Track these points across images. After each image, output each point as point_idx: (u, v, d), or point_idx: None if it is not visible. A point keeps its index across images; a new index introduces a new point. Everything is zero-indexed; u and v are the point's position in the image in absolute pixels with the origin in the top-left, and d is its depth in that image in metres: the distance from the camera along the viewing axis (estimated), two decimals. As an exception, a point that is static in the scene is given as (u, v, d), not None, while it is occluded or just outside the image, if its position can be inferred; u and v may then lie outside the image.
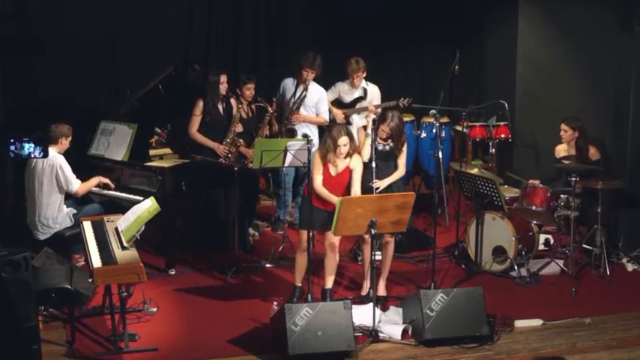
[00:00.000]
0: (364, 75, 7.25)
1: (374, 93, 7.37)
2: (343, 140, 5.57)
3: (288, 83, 7.19)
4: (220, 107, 6.84)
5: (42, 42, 7.48)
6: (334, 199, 5.46)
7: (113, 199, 6.48)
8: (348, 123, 7.38)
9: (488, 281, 6.25)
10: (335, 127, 5.77)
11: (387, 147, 5.88)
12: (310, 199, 5.66)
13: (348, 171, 5.68)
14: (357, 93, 7.36)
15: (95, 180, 6.38)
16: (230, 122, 6.85)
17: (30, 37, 7.50)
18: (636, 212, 6.91)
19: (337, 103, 7.44)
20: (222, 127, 6.83)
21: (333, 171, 5.67)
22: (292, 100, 7.10)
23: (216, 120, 6.81)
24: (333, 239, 5.70)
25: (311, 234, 5.61)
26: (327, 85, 7.41)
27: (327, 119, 7.21)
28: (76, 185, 6.19)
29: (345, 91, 7.37)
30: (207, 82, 6.75)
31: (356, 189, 5.65)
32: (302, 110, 7.11)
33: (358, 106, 7.37)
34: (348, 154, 5.64)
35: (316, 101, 7.12)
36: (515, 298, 6.13)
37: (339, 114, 7.36)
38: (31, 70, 7.57)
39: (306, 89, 7.05)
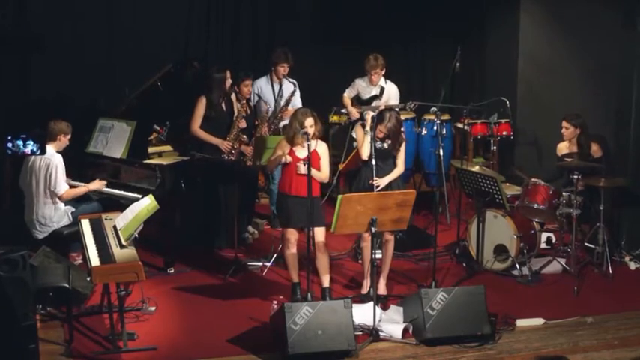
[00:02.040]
0: (383, 72, 7.22)
1: (391, 92, 7.34)
2: (309, 122, 5.59)
3: (262, 83, 7.22)
4: (223, 104, 6.82)
5: (41, 40, 7.45)
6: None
7: (112, 197, 6.45)
8: (363, 119, 7.36)
9: (489, 280, 6.22)
10: (299, 109, 5.78)
11: (386, 145, 5.85)
12: (284, 191, 5.65)
13: (316, 155, 5.68)
14: (374, 90, 7.34)
15: (83, 189, 6.33)
16: (233, 119, 6.82)
17: (29, 35, 7.47)
18: (639, 210, 6.87)
19: (357, 99, 7.42)
20: (225, 124, 6.81)
21: (301, 154, 5.64)
22: (276, 98, 7.09)
23: (220, 116, 6.78)
24: (321, 238, 5.68)
25: (311, 233, 5.58)
26: (326, 82, 7.38)
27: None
28: (63, 190, 6.13)
29: (363, 87, 7.37)
30: (212, 79, 6.70)
31: (326, 173, 5.71)
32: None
33: (374, 104, 7.34)
34: (314, 136, 5.64)
35: (290, 93, 7.17)
36: (517, 297, 6.10)
37: (353, 112, 7.35)
38: (30, 68, 7.54)
39: (295, 85, 7.09)
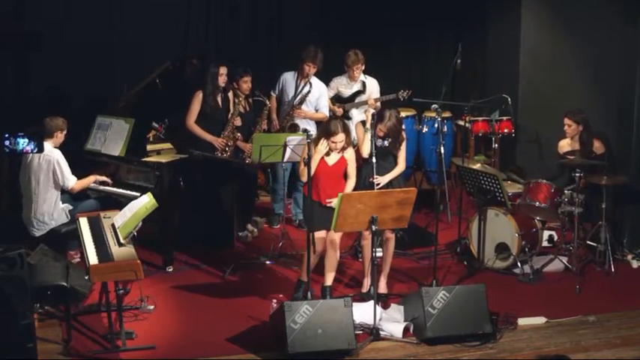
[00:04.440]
0: (363, 67, 7.17)
1: (372, 86, 7.29)
2: (339, 137, 5.56)
3: (289, 77, 7.14)
4: (219, 100, 6.78)
5: (40, 37, 7.41)
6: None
7: (110, 195, 6.42)
8: (348, 118, 7.30)
9: (490, 278, 6.19)
10: (332, 120, 5.71)
11: (387, 142, 5.81)
12: (311, 196, 5.59)
13: (344, 161, 5.67)
14: (356, 87, 7.29)
15: (92, 178, 6.34)
16: (228, 115, 6.78)
17: (27, 32, 7.43)
18: (641, 208, 6.84)
19: (336, 98, 7.36)
20: (220, 120, 6.79)
21: (329, 161, 5.64)
22: (294, 94, 7.04)
23: (216, 113, 6.75)
24: (334, 236, 5.64)
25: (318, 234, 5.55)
26: (327, 79, 7.34)
27: (327, 115, 7.16)
28: (72, 182, 6.13)
29: (344, 85, 7.30)
30: (207, 73, 6.69)
31: (353, 181, 5.68)
32: (303, 106, 7.06)
33: (357, 100, 7.29)
34: (344, 149, 5.63)
35: (317, 97, 7.10)
36: (519, 296, 6.06)
37: (337, 110, 7.28)
38: (28, 64, 7.50)
39: (310, 84, 7.01)
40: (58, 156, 6.07)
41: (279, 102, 7.19)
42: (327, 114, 7.15)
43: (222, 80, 6.71)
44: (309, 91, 7.02)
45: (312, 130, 6.96)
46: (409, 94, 7.19)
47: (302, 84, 7.03)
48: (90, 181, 6.32)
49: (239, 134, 6.84)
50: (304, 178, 5.57)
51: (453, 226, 7.10)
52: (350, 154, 5.70)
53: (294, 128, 7.03)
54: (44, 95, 7.38)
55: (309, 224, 5.64)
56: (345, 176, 5.72)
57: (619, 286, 6.24)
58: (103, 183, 6.41)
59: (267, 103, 7.04)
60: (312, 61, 6.92)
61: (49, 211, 6.11)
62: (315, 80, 7.07)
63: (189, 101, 6.70)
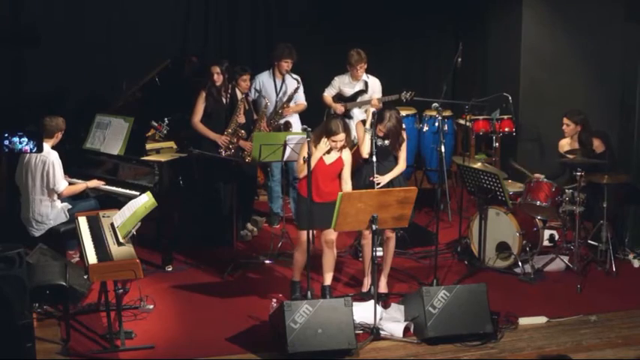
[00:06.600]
0: (365, 66, 7.15)
1: (375, 86, 7.26)
2: (340, 137, 5.54)
3: (265, 78, 7.15)
4: (223, 98, 6.77)
5: (37, 35, 7.39)
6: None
7: (109, 194, 6.39)
8: (349, 117, 7.28)
9: (491, 278, 6.16)
10: (332, 119, 5.69)
11: (387, 142, 5.78)
12: (310, 196, 5.57)
13: (341, 161, 5.65)
14: (358, 86, 7.26)
15: (82, 186, 6.31)
16: (232, 113, 6.78)
17: (25, 30, 7.41)
18: (643, 207, 6.82)
19: (337, 97, 7.34)
20: (223, 118, 6.77)
21: (327, 160, 5.62)
22: (277, 94, 7.05)
23: (219, 111, 6.75)
24: (330, 235, 5.62)
25: (311, 232, 5.51)
26: (327, 78, 7.32)
27: (305, 104, 7.20)
28: (62, 187, 6.10)
29: (346, 84, 7.27)
30: (207, 73, 6.73)
31: (349, 186, 5.63)
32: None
33: (359, 99, 7.26)
34: (343, 147, 5.61)
35: (294, 89, 7.14)
36: (520, 295, 6.04)
37: (338, 108, 7.26)
38: (25, 62, 7.48)
39: (298, 81, 7.04)
40: (54, 158, 6.05)
41: (257, 104, 7.17)
42: (305, 103, 7.19)
43: (217, 79, 6.70)
44: (297, 87, 7.06)
45: (297, 122, 7.09)
46: (412, 95, 7.15)
47: (283, 81, 7.05)
48: (79, 188, 6.28)
49: (242, 131, 6.84)
50: (301, 175, 5.55)
51: (454, 226, 7.09)
52: (347, 156, 5.65)
53: (288, 126, 7.04)
54: (43, 94, 7.36)
55: (301, 222, 5.62)
56: (340, 177, 5.67)
57: (620, 285, 6.22)
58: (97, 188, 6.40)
59: (266, 102, 7.04)
60: (290, 57, 6.98)
61: (47, 212, 6.08)
62: (292, 75, 7.10)
63: (195, 101, 6.71)
